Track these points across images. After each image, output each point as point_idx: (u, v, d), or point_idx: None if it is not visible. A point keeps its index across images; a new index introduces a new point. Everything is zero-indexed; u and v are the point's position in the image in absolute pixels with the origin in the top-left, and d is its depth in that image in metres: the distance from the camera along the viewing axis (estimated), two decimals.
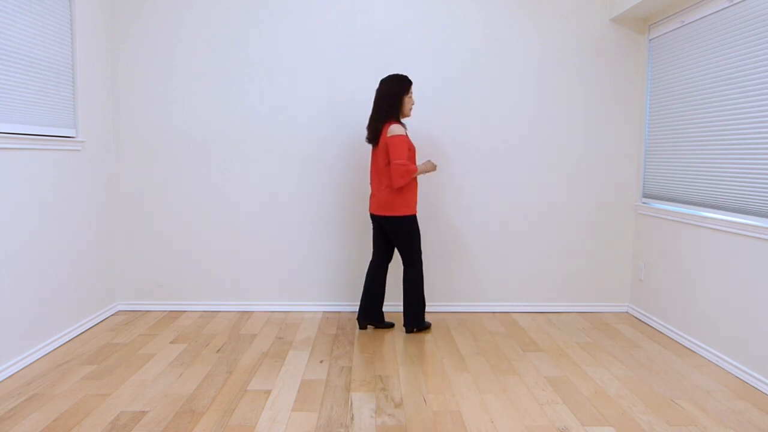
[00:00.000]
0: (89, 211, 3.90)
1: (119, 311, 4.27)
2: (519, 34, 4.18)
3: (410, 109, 3.66)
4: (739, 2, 3.13)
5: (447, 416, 2.61)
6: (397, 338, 3.70)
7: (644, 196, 4.16)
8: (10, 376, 3.04)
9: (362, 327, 3.88)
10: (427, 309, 4.31)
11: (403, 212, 3.59)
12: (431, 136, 4.22)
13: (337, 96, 4.18)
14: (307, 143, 4.22)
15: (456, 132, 4.22)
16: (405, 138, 3.52)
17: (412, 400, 2.77)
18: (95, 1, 3.95)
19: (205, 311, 4.29)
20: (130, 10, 4.14)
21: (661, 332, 3.85)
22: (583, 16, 4.17)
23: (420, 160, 4.22)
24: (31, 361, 3.23)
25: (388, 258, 3.84)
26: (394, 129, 3.53)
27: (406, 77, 3.63)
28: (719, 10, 3.30)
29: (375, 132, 3.62)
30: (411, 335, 3.76)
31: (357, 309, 4.33)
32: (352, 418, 2.58)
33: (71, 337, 3.65)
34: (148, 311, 4.28)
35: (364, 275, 4.30)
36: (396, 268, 4.29)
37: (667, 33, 3.86)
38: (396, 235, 3.65)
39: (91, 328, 3.88)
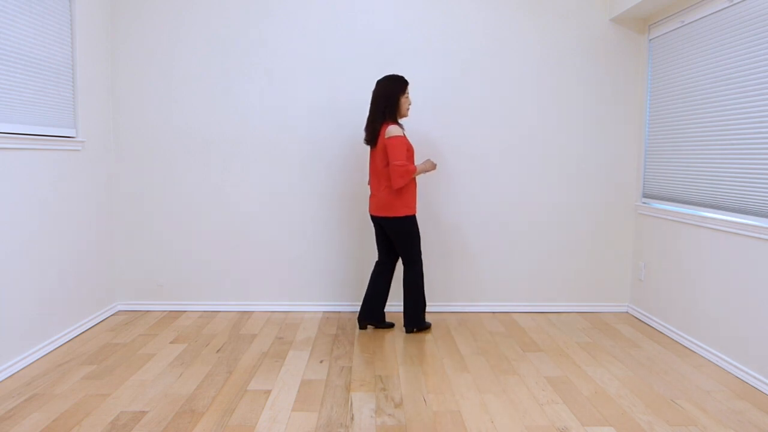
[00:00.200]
0: (89, 211, 3.90)
1: (119, 311, 4.27)
2: (519, 34, 4.18)
3: (407, 109, 3.66)
4: (739, 2, 3.13)
5: (447, 416, 2.61)
6: (397, 338, 3.70)
7: (644, 196, 4.16)
8: (10, 376, 3.04)
9: (362, 327, 3.88)
10: (427, 309, 4.31)
11: (403, 213, 3.59)
12: (431, 136, 4.22)
13: (337, 96, 4.18)
14: (307, 143, 4.22)
15: (456, 132, 4.22)
16: (403, 139, 3.51)
17: (412, 400, 2.77)
18: (95, 1, 3.95)
19: (205, 311, 4.29)
20: (130, 10, 4.14)
21: (661, 332, 3.85)
22: (583, 16, 4.17)
23: (419, 160, 4.22)
24: (31, 361, 3.23)
25: (394, 258, 3.84)
26: (391, 130, 3.52)
27: (401, 77, 3.63)
28: (719, 10, 3.30)
29: (373, 133, 3.62)
30: (411, 335, 3.76)
31: (358, 309, 4.33)
32: (352, 418, 2.58)
33: (71, 337, 3.65)
34: (148, 311, 4.28)
35: (365, 275, 4.30)
36: (397, 268, 4.29)
37: (667, 33, 3.86)
38: (396, 235, 3.65)
39: (91, 328, 3.88)
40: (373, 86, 4.18)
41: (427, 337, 3.74)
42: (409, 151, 3.59)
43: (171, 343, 3.58)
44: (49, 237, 3.44)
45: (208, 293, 4.31)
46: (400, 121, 4.14)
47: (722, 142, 3.28)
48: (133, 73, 4.17)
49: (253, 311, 4.30)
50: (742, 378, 3.07)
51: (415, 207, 3.65)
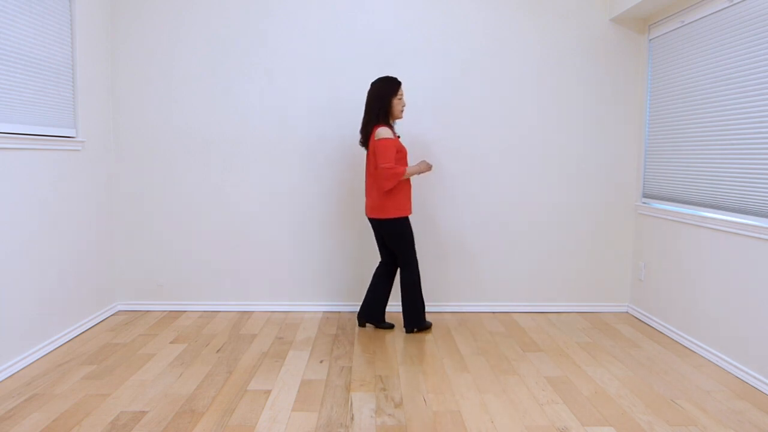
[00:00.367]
0: (89, 211, 3.90)
1: (119, 311, 4.27)
2: (519, 34, 4.18)
3: (401, 111, 3.63)
4: (739, 2, 3.13)
5: (447, 416, 2.61)
6: (397, 338, 3.70)
7: (644, 196, 4.16)
8: (10, 376, 3.04)
9: (361, 324, 3.90)
10: (427, 309, 4.31)
11: (394, 214, 3.59)
12: (431, 136, 4.22)
13: (337, 96, 4.18)
14: (307, 143, 4.22)
15: (456, 132, 4.22)
16: (392, 140, 3.50)
17: (412, 400, 2.77)
18: (95, 1, 3.95)
19: (205, 311, 4.29)
20: (130, 10, 4.14)
21: (661, 332, 3.85)
22: (583, 16, 4.17)
23: (418, 161, 4.22)
24: (31, 361, 3.23)
25: (396, 259, 3.84)
26: (380, 132, 3.52)
27: (394, 79, 3.62)
28: (719, 10, 3.30)
29: (366, 135, 3.63)
30: (411, 335, 3.76)
31: (357, 309, 4.33)
32: (352, 418, 2.58)
33: (71, 337, 3.65)
34: (148, 311, 4.28)
35: (365, 275, 4.30)
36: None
37: (667, 33, 3.86)
38: (389, 237, 3.66)
39: (91, 328, 3.88)
40: None
41: (427, 337, 3.74)
42: (400, 152, 3.58)
43: (171, 343, 3.58)
44: (49, 237, 3.44)
45: (208, 293, 4.31)
46: (398, 122, 4.14)
47: (722, 142, 3.28)
48: (133, 73, 4.17)
49: (253, 311, 4.30)
50: (742, 378, 3.07)
51: (408, 209, 3.64)
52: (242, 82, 4.18)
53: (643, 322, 4.10)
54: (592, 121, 4.24)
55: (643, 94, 4.17)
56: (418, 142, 4.22)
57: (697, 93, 3.52)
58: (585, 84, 4.21)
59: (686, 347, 3.56)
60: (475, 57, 4.18)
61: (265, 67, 4.17)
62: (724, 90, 3.27)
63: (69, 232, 3.64)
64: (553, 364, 3.27)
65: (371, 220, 3.72)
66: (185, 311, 4.28)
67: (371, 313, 3.85)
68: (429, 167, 3.67)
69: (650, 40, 4.08)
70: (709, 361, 3.34)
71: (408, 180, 3.66)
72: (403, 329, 3.86)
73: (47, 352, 3.39)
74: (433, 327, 3.94)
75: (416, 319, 3.75)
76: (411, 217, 4.27)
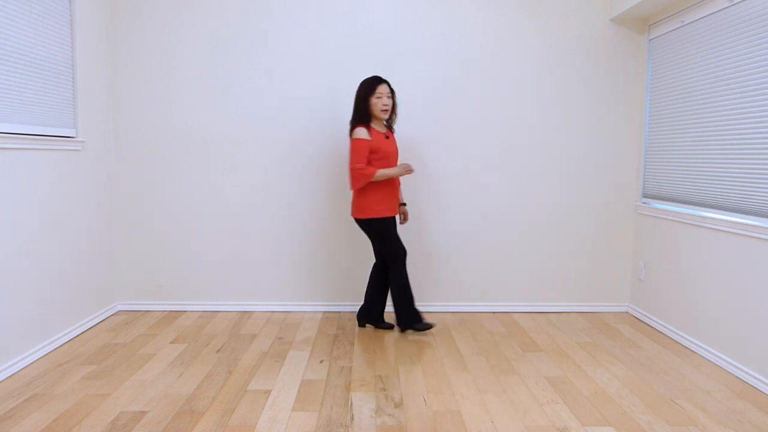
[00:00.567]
0: (89, 211, 3.90)
1: (119, 311, 4.27)
2: (519, 34, 4.18)
3: (380, 111, 3.57)
4: (739, 2, 3.13)
5: (447, 416, 2.61)
6: (397, 338, 3.70)
7: (644, 196, 4.16)
8: (10, 376, 3.04)
9: (361, 325, 3.90)
10: (427, 309, 4.31)
11: (368, 215, 3.59)
12: (431, 136, 4.22)
13: (337, 96, 4.18)
14: (307, 143, 4.22)
15: (456, 132, 4.22)
16: (364, 141, 3.50)
17: (412, 400, 2.77)
18: (95, 1, 3.95)
19: (205, 311, 4.29)
20: (130, 10, 4.14)
21: (661, 332, 3.85)
22: (583, 16, 4.17)
23: (419, 161, 4.22)
24: (31, 361, 3.23)
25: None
26: (355, 132, 3.54)
27: (374, 78, 3.59)
28: (719, 10, 3.30)
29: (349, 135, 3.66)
30: (411, 335, 3.76)
31: (357, 309, 4.33)
32: (352, 418, 2.58)
33: (71, 337, 3.65)
34: (148, 311, 4.28)
35: (365, 275, 4.31)
36: None
37: (667, 33, 3.86)
38: (369, 237, 3.70)
39: (91, 328, 3.88)
40: None
41: (427, 337, 3.74)
42: (377, 153, 3.56)
43: (171, 343, 3.58)
44: (49, 237, 3.44)
45: (208, 293, 4.31)
46: (397, 121, 4.14)
47: (722, 142, 3.28)
48: (133, 73, 4.17)
49: (253, 311, 4.30)
50: (742, 378, 3.07)
51: (385, 210, 3.60)
52: (242, 82, 4.18)
53: (643, 322, 4.10)
54: (592, 121, 4.24)
55: (643, 94, 4.17)
56: (417, 142, 4.22)
57: (697, 93, 3.52)
58: (585, 84, 4.21)
59: (686, 347, 3.56)
60: (475, 57, 4.18)
61: (265, 67, 4.17)
62: (724, 90, 3.27)
63: (69, 232, 3.64)
64: (553, 364, 3.27)
65: (354, 219, 3.74)
66: (185, 311, 4.28)
67: (370, 314, 3.85)
68: (407, 170, 3.58)
69: (650, 40, 4.08)
70: (709, 361, 3.34)
71: (390, 181, 3.62)
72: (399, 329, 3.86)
73: (47, 352, 3.39)
74: (433, 327, 3.93)
75: (408, 316, 3.73)
76: (410, 218, 4.27)
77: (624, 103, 4.23)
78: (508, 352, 3.45)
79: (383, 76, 4.15)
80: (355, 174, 3.51)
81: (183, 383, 2.95)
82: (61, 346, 3.51)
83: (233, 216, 4.26)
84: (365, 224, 3.64)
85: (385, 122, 3.71)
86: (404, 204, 3.91)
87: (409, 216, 4.25)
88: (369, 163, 3.56)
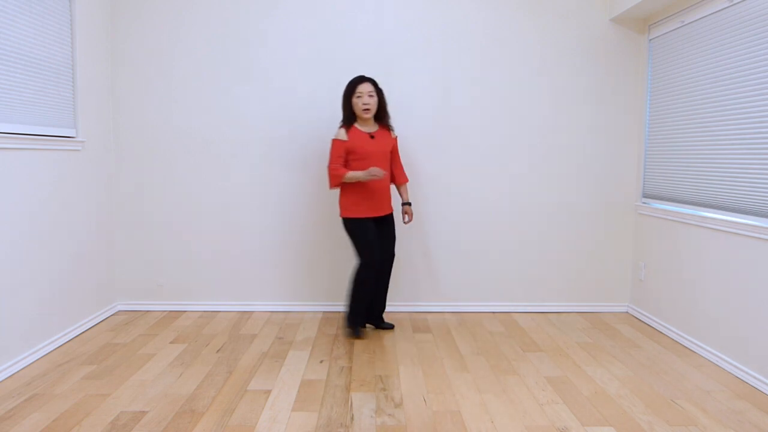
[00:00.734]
0: (89, 211, 3.90)
1: (119, 311, 4.28)
2: (519, 34, 4.18)
3: (362, 110, 3.58)
4: (739, 2, 3.13)
5: (447, 416, 2.61)
6: (397, 338, 3.70)
7: (644, 196, 4.16)
8: (10, 376, 3.04)
9: (361, 325, 3.89)
10: (428, 309, 4.31)
11: (343, 214, 3.64)
12: (431, 136, 4.22)
13: (337, 96, 4.18)
14: (307, 143, 4.21)
15: (456, 132, 4.22)
16: (339, 142, 3.55)
17: (412, 400, 2.77)
18: (95, 1, 3.95)
19: (205, 311, 4.29)
20: (130, 10, 4.14)
21: (661, 332, 3.85)
22: (583, 16, 4.17)
23: (418, 161, 4.22)
24: (31, 361, 3.23)
25: (383, 256, 3.78)
26: (335, 133, 3.63)
27: (355, 78, 3.61)
28: (719, 10, 3.30)
29: None
30: (412, 335, 3.76)
31: None
32: (352, 418, 2.58)
33: (71, 337, 3.65)
34: (148, 311, 4.28)
35: None
36: (397, 268, 4.29)
37: (667, 33, 3.86)
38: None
39: (91, 328, 3.88)
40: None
41: (427, 337, 3.74)
42: (353, 153, 3.57)
43: (171, 343, 3.58)
44: (49, 237, 3.44)
45: (208, 293, 4.31)
46: (396, 121, 4.14)
47: (722, 142, 3.28)
48: (133, 73, 4.18)
49: (253, 311, 4.30)
50: (742, 378, 3.07)
51: (358, 211, 3.59)
52: (242, 81, 4.18)
53: (643, 322, 4.10)
54: (592, 121, 4.24)
55: (643, 94, 4.17)
56: (417, 142, 4.22)
57: (697, 93, 3.52)
58: (585, 84, 4.21)
59: (686, 347, 3.56)
60: (474, 57, 4.18)
61: (265, 67, 4.17)
62: (724, 90, 3.27)
63: (69, 232, 3.64)
64: (553, 364, 3.27)
65: None
66: (185, 311, 4.28)
67: (369, 314, 3.85)
68: (373, 174, 3.46)
69: (650, 40, 4.08)
70: (709, 361, 3.34)
71: (370, 183, 3.59)
72: (393, 329, 3.87)
73: (47, 352, 3.39)
74: (433, 327, 3.94)
75: (349, 317, 3.71)
76: (414, 216, 4.26)
77: (624, 103, 4.23)
78: (508, 352, 3.45)
79: (385, 76, 4.16)
80: (329, 174, 3.59)
81: (183, 383, 2.96)
82: (61, 346, 3.51)
83: (233, 216, 4.26)
84: (342, 222, 3.69)
85: (376, 121, 3.70)
86: (408, 204, 3.83)
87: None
88: (347, 163, 3.61)
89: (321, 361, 3.29)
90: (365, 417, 2.60)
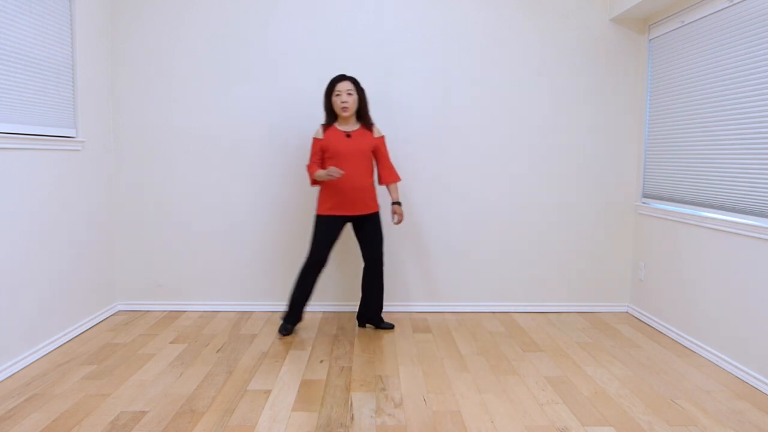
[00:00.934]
0: (89, 211, 3.90)
1: (119, 311, 4.27)
2: (519, 34, 4.18)
3: (340, 108, 3.60)
4: (739, 2, 3.13)
5: (447, 416, 2.61)
6: (397, 338, 3.70)
7: (644, 196, 4.16)
8: (10, 376, 3.04)
9: (361, 325, 3.91)
10: (429, 309, 4.31)
11: (316, 210, 3.71)
12: (430, 136, 4.22)
13: None
14: (307, 143, 4.21)
15: (456, 132, 4.22)
16: (315, 140, 3.65)
17: (412, 400, 2.77)
18: (95, 1, 3.95)
19: (205, 311, 4.29)
20: (130, 10, 4.14)
21: (661, 332, 3.85)
22: (583, 16, 4.17)
23: (420, 161, 4.22)
24: (31, 361, 3.23)
25: (367, 257, 3.75)
26: (315, 131, 3.74)
27: (334, 77, 3.64)
28: (719, 10, 3.30)
29: None
30: (412, 336, 3.76)
31: (357, 309, 4.33)
32: (352, 418, 2.58)
33: (71, 337, 3.65)
34: (148, 311, 4.28)
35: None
36: (391, 269, 4.29)
37: (667, 33, 3.86)
38: None
39: (91, 328, 3.88)
40: (373, 86, 4.18)
41: (427, 337, 3.74)
42: (326, 152, 3.62)
43: (171, 343, 3.58)
44: (49, 237, 3.44)
45: (208, 293, 4.31)
46: (398, 120, 4.14)
47: (722, 142, 3.28)
48: (133, 73, 4.17)
49: (253, 311, 4.30)
50: (742, 378, 3.07)
51: (324, 208, 3.64)
52: (242, 81, 4.18)
53: (643, 322, 4.10)
54: (592, 121, 4.24)
55: (643, 94, 4.17)
56: (416, 142, 4.22)
57: (697, 93, 3.52)
58: (585, 84, 4.21)
59: (686, 347, 3.56)
60: (474, 57, 4.18)
61: (265, 67, 4.17)
62: (724, 90, 3.27)
63: (69, 232, 3.64)
64: (553, 364, 3.27)
65: None
66: (185, 311, 4.28)
67: (369, 314, 3.85)
68: (330, 175, 3.43)
69: (650, 40, 4.08)
70: (709, 361, 3.34)
71: (338, 182, 3.58)
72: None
73: (47, 352, 3.39)
74: (433, 327, 3.94)
75: (288, 313, 3.73)
76: (411, 217, 4.26)
77: (624, 103, 4.23)
78: (508, 352, 3.45)
79: (385, 76, 4.16)
80: (308, 170, 3.69)
81: (183, 383, 2.96)
82: (61, 346, 3.51)
83: (233, 216, 4.26)
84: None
85: (358, 120, 3.70)
86: (398, 203, 3.75)
87: (407, 216, 4.25)
88: (322, 161, 3.67)
89: (321, 361, 3.29)
90: (365, 417, 2.60)
